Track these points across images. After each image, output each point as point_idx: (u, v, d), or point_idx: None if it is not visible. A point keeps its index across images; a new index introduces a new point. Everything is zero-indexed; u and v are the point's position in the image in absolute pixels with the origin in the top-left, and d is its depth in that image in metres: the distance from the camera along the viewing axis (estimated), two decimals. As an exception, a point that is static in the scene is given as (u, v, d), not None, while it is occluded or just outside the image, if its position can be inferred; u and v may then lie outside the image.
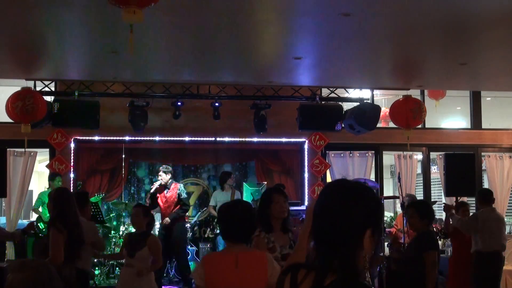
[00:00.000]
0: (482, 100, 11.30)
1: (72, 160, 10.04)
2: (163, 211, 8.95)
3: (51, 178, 9.29)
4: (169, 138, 10.31)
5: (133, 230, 6.24)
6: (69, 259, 4.74)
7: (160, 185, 8.92)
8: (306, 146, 10.63)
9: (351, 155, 10.95)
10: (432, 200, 10.69)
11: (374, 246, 1.78)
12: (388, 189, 13.28)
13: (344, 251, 1.73)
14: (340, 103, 9.61)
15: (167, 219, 8.81)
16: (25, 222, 9.88)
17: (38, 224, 9.12)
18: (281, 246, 4.14)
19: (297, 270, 1.82)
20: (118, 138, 10.09)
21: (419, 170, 11.47)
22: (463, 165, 8.59)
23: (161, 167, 9.12)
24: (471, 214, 7.64)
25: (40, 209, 9.14)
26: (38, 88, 8.82)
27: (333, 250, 1.74)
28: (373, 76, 8.77)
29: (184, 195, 8.97)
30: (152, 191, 8.92)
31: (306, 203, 10.12)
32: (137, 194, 10.82)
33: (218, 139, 10.42)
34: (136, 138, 10.04)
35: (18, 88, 8.07)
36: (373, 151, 10.99)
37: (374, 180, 10.51)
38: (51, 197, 5.41)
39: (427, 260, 4.92)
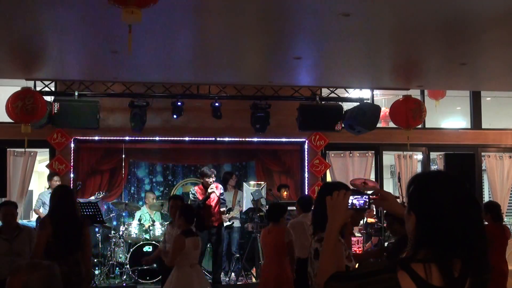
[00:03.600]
0: (482, 100, 11.31)
1: (72, 160, 10.04)
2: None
3: (49, 178, 9.30)
4: (169, 138, 10.31)
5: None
6: (59, 256, 4.77)
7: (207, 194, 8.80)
8: (306, 146, 10.64)
9: (351, 155, 10.95)
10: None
11: None
12: (388, 189, 13.23)
13: (472, 240, 1.80)
14: (340, 103, 9.61)
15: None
16: (25, 222, 9.88)
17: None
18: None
19: (408, 265, 1.78)
20: (118, 138, 10.09)
21: (419, 170, 11.46)
22: (463, 165, 8.60)
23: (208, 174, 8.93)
24: None
25: (41, 210, 9.14)
26: (38, 88, 8.83)
27: (459, 242, 1.78)
28: (373, 76, 8.76)
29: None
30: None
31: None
32: (137, 194, 10.81)
33: (218, 139, 10.42)
34: (136, 138, 10.04)
35: (18, 88, 8.07)
36: (373, 151, 10.99)
37: (374, 180, 10.50)
38: None
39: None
